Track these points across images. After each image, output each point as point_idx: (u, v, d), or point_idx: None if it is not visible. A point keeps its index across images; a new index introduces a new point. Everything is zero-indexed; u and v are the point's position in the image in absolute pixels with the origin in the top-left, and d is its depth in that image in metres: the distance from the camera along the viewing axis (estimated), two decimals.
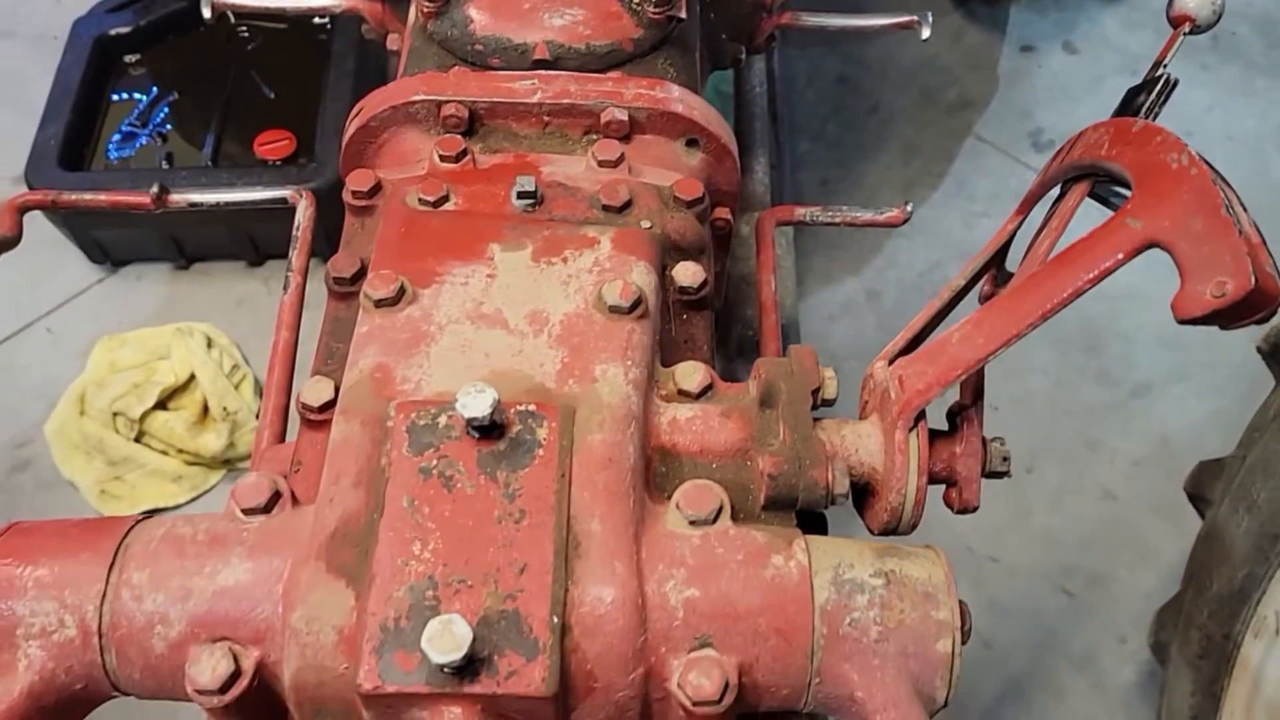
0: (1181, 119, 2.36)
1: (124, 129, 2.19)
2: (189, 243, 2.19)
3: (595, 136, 1.07)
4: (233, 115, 2.21)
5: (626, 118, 1.06)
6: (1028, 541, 1.93)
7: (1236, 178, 0.79)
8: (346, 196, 1.03)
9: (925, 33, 1.44)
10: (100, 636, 0.72)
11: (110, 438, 1.96)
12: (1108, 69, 2.57)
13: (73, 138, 2.12)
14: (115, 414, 1.97)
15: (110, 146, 2.17)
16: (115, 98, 2.24)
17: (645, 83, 1.09)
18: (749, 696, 0.73)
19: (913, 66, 2.58)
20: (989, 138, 2.47)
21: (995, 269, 0.98)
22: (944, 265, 2.24)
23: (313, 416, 0.89)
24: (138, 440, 1.98)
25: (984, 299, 0.96)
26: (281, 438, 1.07)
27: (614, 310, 0.87)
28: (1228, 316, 0.73)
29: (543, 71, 1.10)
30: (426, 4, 1.12)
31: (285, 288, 1.16)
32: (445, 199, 0.98)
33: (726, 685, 0.70)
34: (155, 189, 1.25)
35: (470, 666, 0.66)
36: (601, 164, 1.03)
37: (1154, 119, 0.91)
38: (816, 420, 0.86)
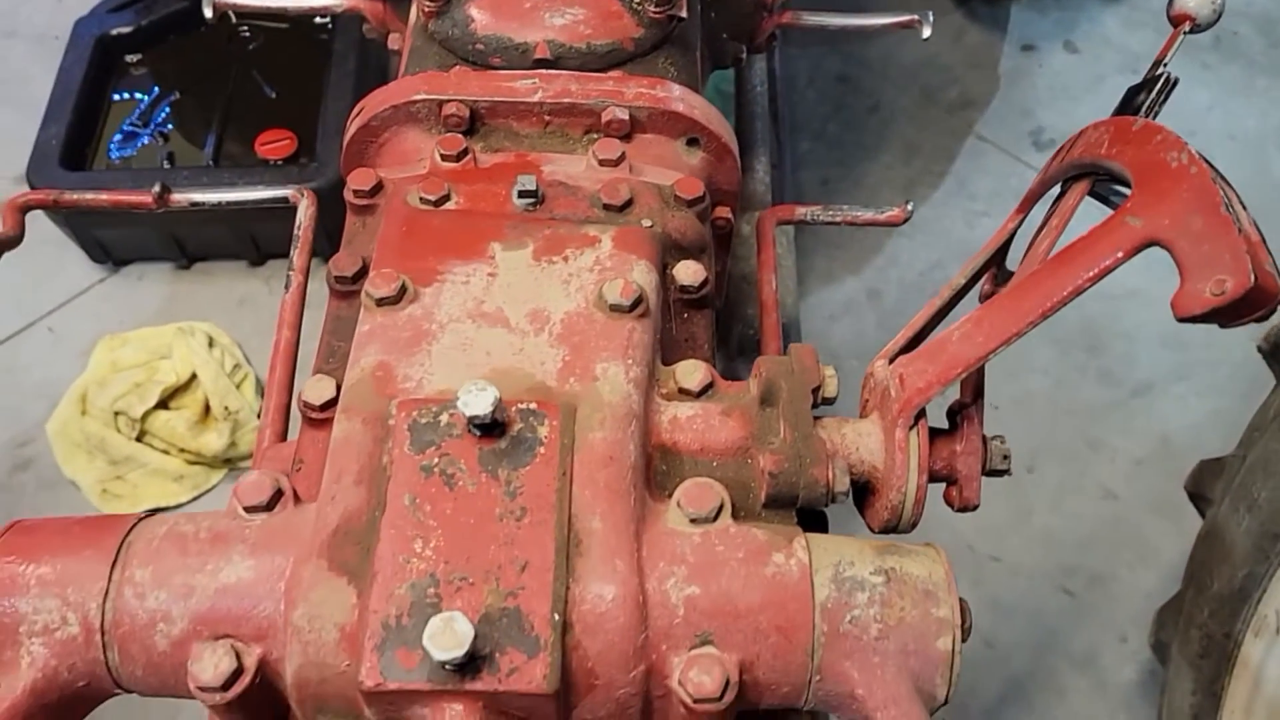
0: (1182, 118, 2.36)
1: (125, 129, 2.20)
2: (190, 242, 2.19)
3: (596, 136, 1.07)
4: (234, 115, 2.21)
5: (627, 117, 1.06)
6: (1029, 541, 1.93)
7: (1237, 177, 0.80)
8: (348, 195, 1.04)
9: (926, 32, 1.44)
10: (103, 634, 0.72)
11: (112, 437, 1.97)
12: (1108, 68, 2.57)
13: (74, 137, 2.13)
14: (117, 413, 1.97)
15: (112, 146, 2.17)
16: (117, 97, 2.24)
17: (646, 82, 1.09)
18: (750, 694, 0.74)
19: (914, 66, 2.58)
20: (990, 137, 2.48)
21: (995, 268, 0.98)
22: (945, 264, 2.24)
23: (314, 415, 0.89)
24: (139, 439, 1.98)
25: (984, 298, 0.96)
26: (283, 436, 1.07)
27: (615, 309, 0.87)
28: (1227, 314, 0.73)
29: (544, 71, 1.10)
30: (428, 3, 1.12)
31: (287, 287, 1.16)
32: (446, 198, 0.99)
33: (727, 682, 0.70)
34: (157, 188, 1.26)
35: (472, 664, 0.66)
36: (602, 163, 1.03)
37: (1154, 118, 0.91)
38: (817, 418, 0.87)
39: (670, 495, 0.78)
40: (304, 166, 2.10)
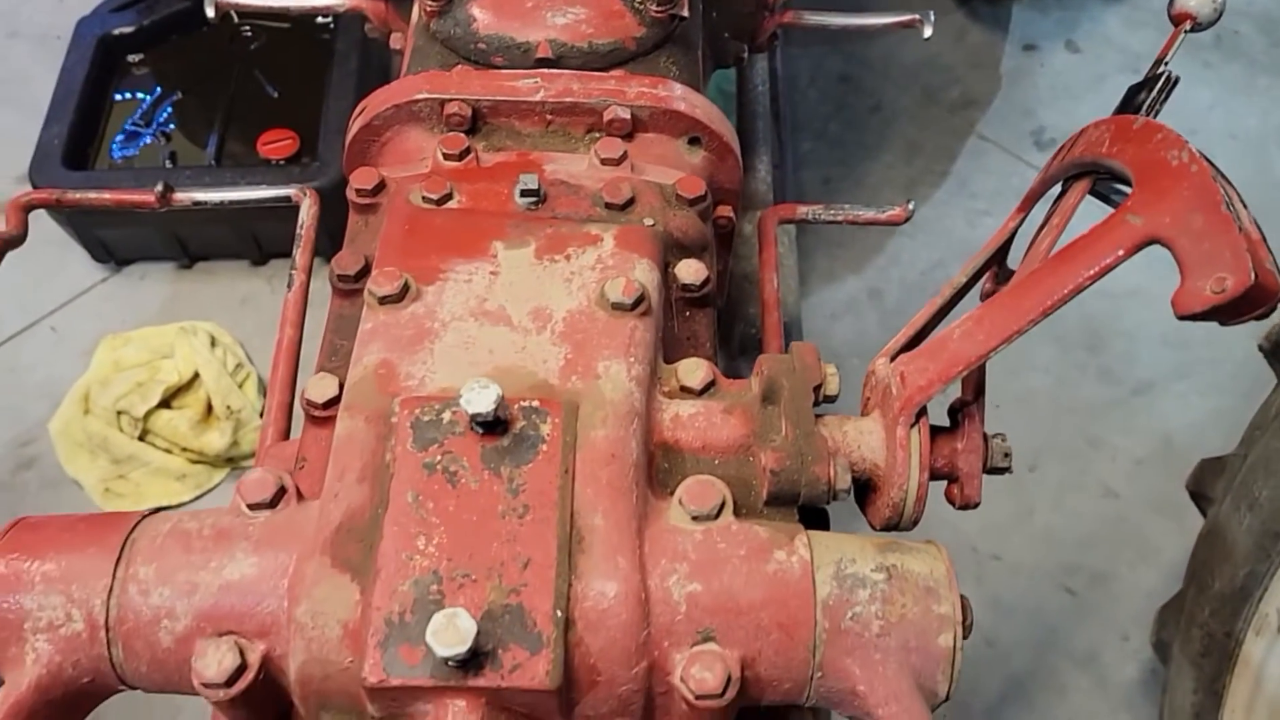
0: (1184, 117, 2.36)
1: (128, 128, 2.20)
2: (193, 242, 2.20)
3: (598, 135, 1.08)
4: (236, 115, 2.22)
5: (629, 116, 1.06)
6: (1030, 540, 1.93)
7: (1239, 176, 0.80)
8: (350, 194, 1.04)
9: (927, 31, 1.44)
10: (107, 631, 0.72)
11: (114, 436, 1.97)
12: (1110, 68, 2.57)
13: (76, 137, 2.13)
14: (119, 412, 1.98)
15: (114, 146, 2.17)
16: (119, 97, 2.24)
17: (648, 81, 1.09)
18: (751, 690, 0.74)
19: (915, 65, 2.58)
20: (991, 136, 2.48)
21: (997, 266, 0.98)
22: (946, 264, 2.24)
23: (317, 413, 0.89)
24: (142, 439, 1.99)
25: (985, 296, 0.96)
26: (286, 435, 1.07)
27: (617, 307, 0.87)
28: (1227, 312, 0.74)
29: (545, 70, 1.10)
30: (430, 3, 1.13)
31: (289, 285, 1.16)
32: (449, 197, 0.99)
33: (729, 679, 0.70)
34: (160, 187, 1.26)
35: (474, 660, 0.67)
36: (604, 162, 1.04)
37: (1155, 116, 0.91)
38: (819, 416, 0.87)
39: (672, 493, 0.78)
40: (306, 166, 2.10)
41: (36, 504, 1.95)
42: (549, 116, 1.08)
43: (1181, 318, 0.75)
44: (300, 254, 1.19)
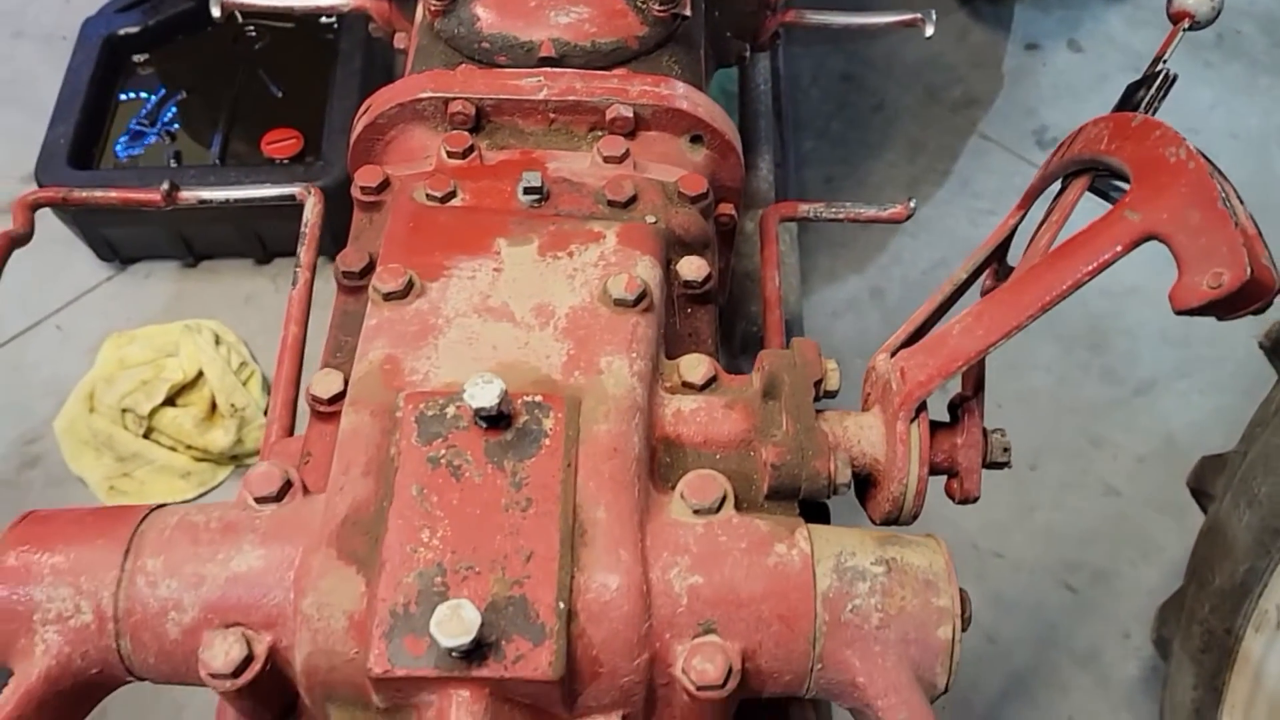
0: (1185, 117, 2.37)
1: (132, 128, 2.21)
2: (197, 241, 2.21)
3: (601, 133, 1.08)
4: (240, 114, 2.22)
5: (631, 114, 1.07)
6: (1031, 537, 1.93)
7: (1240, 175, 0.80)
8: (355, 192, 1.05)
9: (929, 30, 1.45)
10: (115, 622, 0.73)
11: (119, 434, 1.98)
12: (1112, 67, 2.57)
13: (82, 137, 2.13)
14: (124, 410, 1.99)
15: (119, 145, 2.18)
16: (124, 97, 2.25)
17: (650, 80, 1.10)
18: (752, 682, 0.74)
19: (917, 64, 2.58)
20: (994, 135, 2.48)
21: (997, 263, 0.98)
22: (948, 263, 2.25)
23: (322, 408, 0.90)
24: (146, 436, 2.00)
25: (985, 293, 0.97)
26: (290, 431, 1.08)
27: (619, 304, 0.88)
28: (1224, 307, 0.74)
29: (549, 69, 1.11)
30: (434, 2, 1.14)
31: (294, 283, 1.17)
32: (452, 195, 1.00)
33: (730, 670, 0.71)
34: (166, 186, 1.27)
35: (478, 651, 0.67)
36: (607, 160, 1.04)
37: (1153, 114, 0.92)
38: (819, 411, 0.87)
39: (674, 487, 0.79)
40: (310, 165, 2.11)
41: (41, 501, 1.96)
42: (552, 115, 1.09)
43: (1179, 312, 0.76)
44: (305, 252, 1.20)
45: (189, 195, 1.30)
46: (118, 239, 2.19)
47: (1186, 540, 1.42)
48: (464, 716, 0.68)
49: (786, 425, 0.83)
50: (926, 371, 0.85)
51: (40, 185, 2.02)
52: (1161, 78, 0.93)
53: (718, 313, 1.06)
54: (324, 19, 2.32)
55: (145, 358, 2.06)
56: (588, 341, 0.86)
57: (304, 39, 2.32)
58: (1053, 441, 2.03)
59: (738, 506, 0.78)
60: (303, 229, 1.23)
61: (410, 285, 0.89)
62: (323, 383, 0.90)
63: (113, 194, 1.30)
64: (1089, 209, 0.87)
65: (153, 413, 1.98)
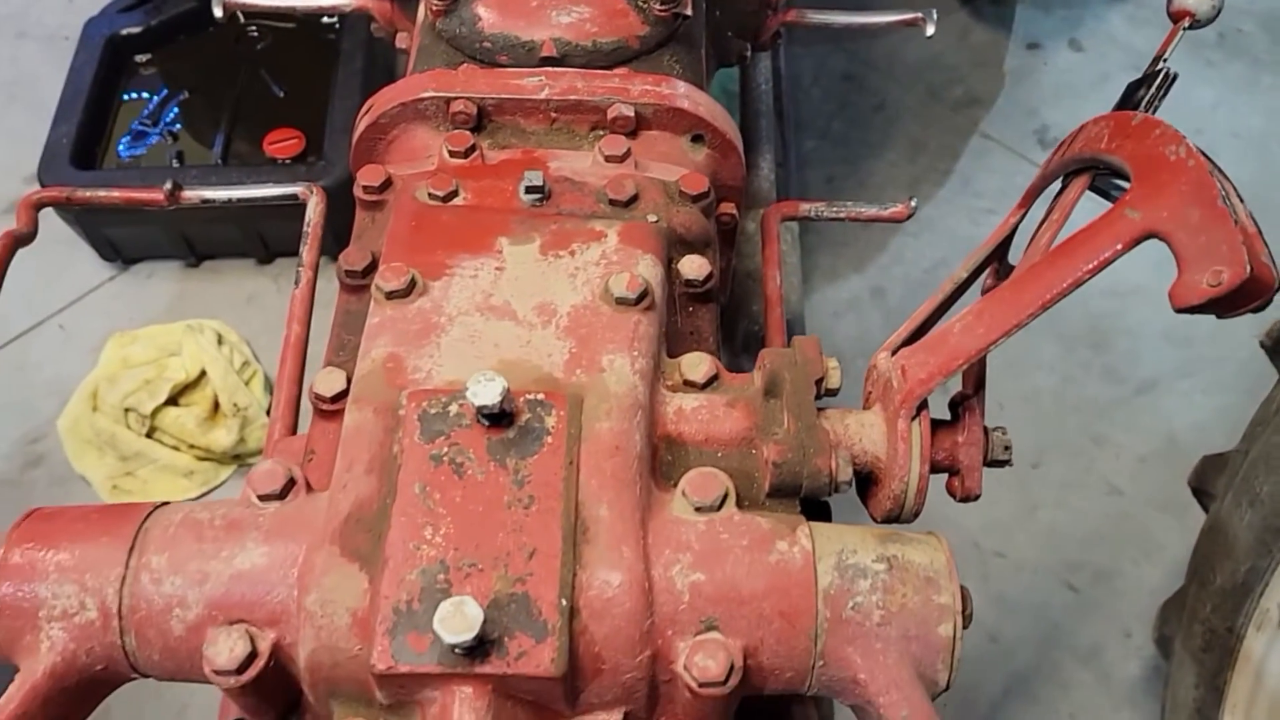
0: (1187, 116, 2.37)
1: (135, 128, 2.21)
2: (199, 241, 2.21)
3: (602, 132, 1.09)
4: (243, 114, 2.23)
5: (633, 114, 1.07)
6: (1034, 537, 1.93)
7: (1243, 174, 0.80)
8: (357, 191, 1.05)
9: (930, 30, 1.45)
10: (120, 619, 0.73)
11: (122, 433, 1.98)
12: (1113, 66, 2.57)
13: (84, 137, 2.14)
14: (127, 410, 1.99)
15: (121, 145, 2.18)
16: (126, 97, 2.26)
17: (651, 79, 1.10)
18: (754, 679, 0.75)
19: (918, 64, 2.59)
20: (995, 135, 2.48)
21: (998, 262, 0.99)
22: (949, 262, 2.25)
23: (325, 406, 0.90)
24: (149, 436, 2.00)
25: (986, 292, 0.97)
26: (293, 430, 1.08)
27: (621, 302, 0.88)
28: (1224, 305, 0.74)
29: (550, 68, 1.11)
30: (435, 2, 1.14)
31: (296, 282, 1.17)
32: (454, 194, 1.00)
33: (732, 667, 0.71)
34: (169, 185, 1.27)
35: (481, 647, 0.68)
36: (608, 159, 1.05)
37: (1153, 112, 0.92)
38: (820, 410, 0.88)
39: (675, 484, 0.79)
40: (312, 165, 2.11)
41: (45, 501, 1.93)
42: (553, 114, 1.09)
43: (1179, 310, 0.76)
44: (307, 251, 1.20)
45: (191, 195, 1.30)
46: (120, 239, 2.19)
47: (1188, 539, 1.42)
48: (467, 713, 0.68)
49: (788, 423, 0.83)
50: (927, 370, 0.85)
51: (43, 185, 2.02)
52: (1162, 76, 0.94)
53: (719, 311, 1.06)
54: (326, 19, 2.32)
55: (148, 357, 2.06)
56: (590, 340, 0.86)
57: (306, 39, 2.32)
58: (1055, 440, 2.03)
59: (739, 504, 0.79)
60: (305, 228, 1.23)
61: (413, 284, 0.89)
62: (326, 381, 0.90)
63: (115, 194, 1.30)
64: (1089, 208, 0.88)
65: (155, 412, 1.98)
